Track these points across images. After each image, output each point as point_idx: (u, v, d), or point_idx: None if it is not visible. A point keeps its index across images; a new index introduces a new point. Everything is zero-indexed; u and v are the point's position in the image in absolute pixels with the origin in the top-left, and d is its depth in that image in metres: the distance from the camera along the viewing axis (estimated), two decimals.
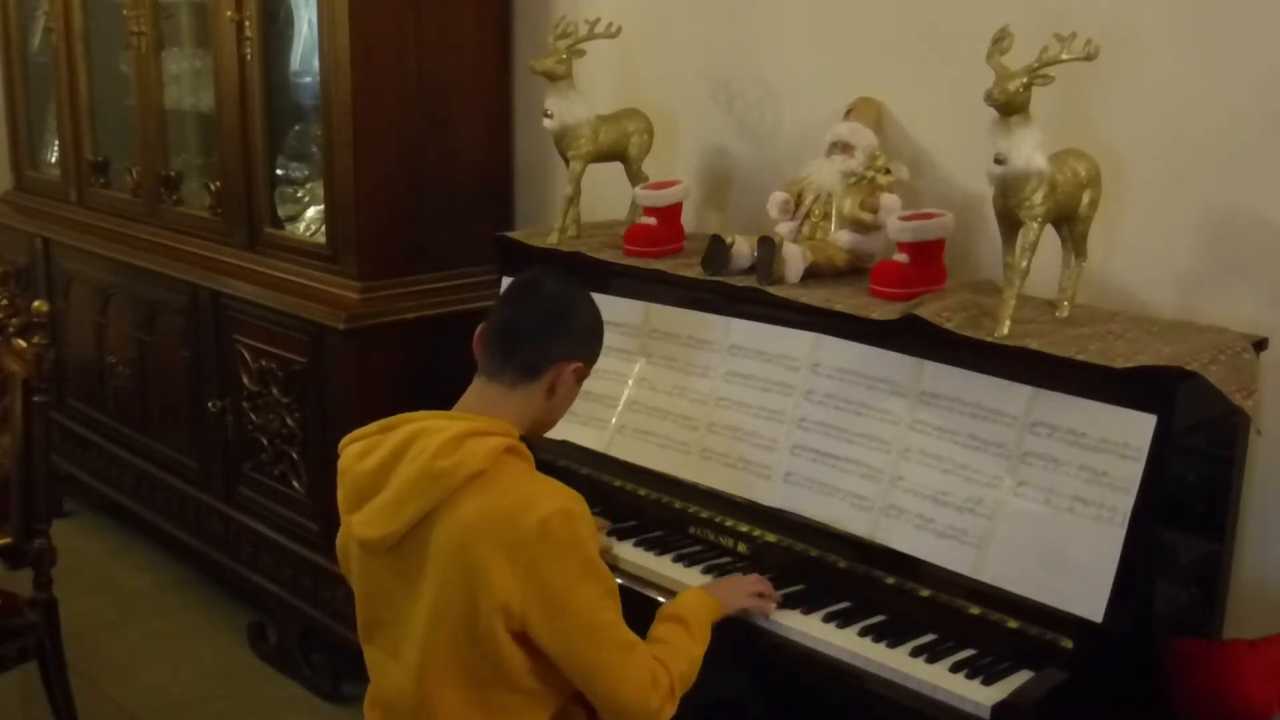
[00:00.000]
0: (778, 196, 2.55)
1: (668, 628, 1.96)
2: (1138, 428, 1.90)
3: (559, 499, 1.81)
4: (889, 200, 2.41)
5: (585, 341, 2.02)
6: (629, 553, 2.34)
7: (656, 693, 1.83)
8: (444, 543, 1.80)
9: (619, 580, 2.25)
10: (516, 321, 1.97)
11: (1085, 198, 2.14)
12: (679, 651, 1.91)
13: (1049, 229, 2.13)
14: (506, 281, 2.77)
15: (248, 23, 3.26)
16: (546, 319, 1.96)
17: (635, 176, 2.90)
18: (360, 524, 1.87)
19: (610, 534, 2.39)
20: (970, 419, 2.08)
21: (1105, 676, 1.91)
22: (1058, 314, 2.19)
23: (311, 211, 3.48)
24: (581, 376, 2.01)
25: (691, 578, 2.25)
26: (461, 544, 1.78)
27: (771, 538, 2.28)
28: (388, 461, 1.85)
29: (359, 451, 1.89)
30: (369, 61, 3.01)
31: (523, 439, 1.92)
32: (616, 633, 1.83)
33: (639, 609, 1.97)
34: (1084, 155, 2.14)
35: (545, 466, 2.57)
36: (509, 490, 1.81)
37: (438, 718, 1.85)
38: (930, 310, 2.12)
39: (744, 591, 2.12)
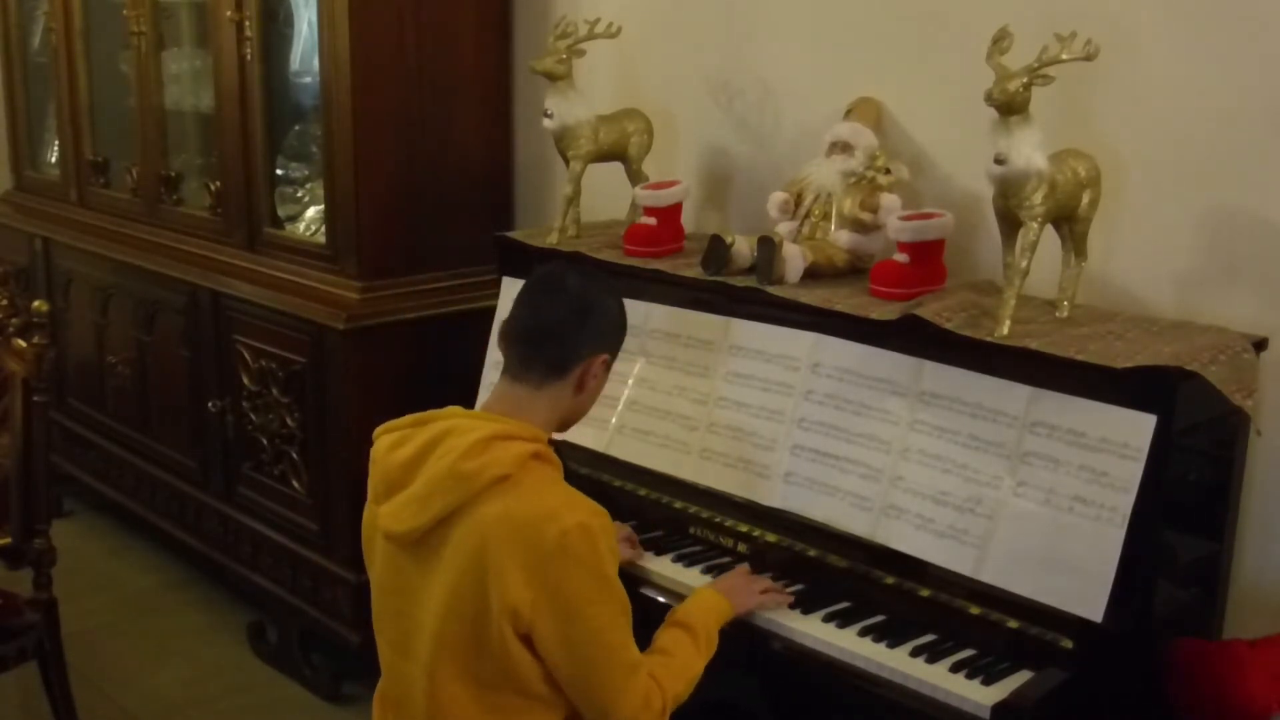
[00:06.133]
0: (778, 196, 2.55)
1: (674, 636, 1.96)
2: (1138, 428, 1.90)
3: (580, 513, 1.80)
4: (889, 200, 2.41)
5: (612, 334, 2.02)
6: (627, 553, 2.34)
7: (648, 715, 1.83)
8: (463, 542, 1.80)
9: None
10: (542, 320, 1.95)
11: (1085, 198, 2.14)
12: (679, 668, 1.91)
13: (1049, 229, 2.13)
14: (507, 281, 2.77)
15: (248, 23, 3.26)
16: (573, 316, 1.94)
17: (635, 176, 2.90)
18: (387, 515, 1.88)
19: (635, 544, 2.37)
20: (970, 419, 2.08)
21: (1105, 676, 1.91)
22: (1058, 314, 2.19)
23: (311, 211, 3.48)
24: (609, 367, 2.00)
25: (692, 578, 2.25)
26: (480, 546, 1.79)
27: (771, 538, 2.28)
28: (418, 456, 1.85)
29: (391, 443, 1.90)
30: (369, 61, 3.01)
31: (550, 441, 1.91)
32: (624, 654, 1.83)
33: (638, 609, 1.96)
34: (1084, 155, 2.14)
35: None
36: (532, 498, 1.80)
37: (448, 716, 1.85)
38: (930, 310, 2.12)
39: (754, 590, 2.12)
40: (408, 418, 1.93)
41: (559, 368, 1.93)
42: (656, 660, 1.90)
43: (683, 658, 1.93)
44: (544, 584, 1.76)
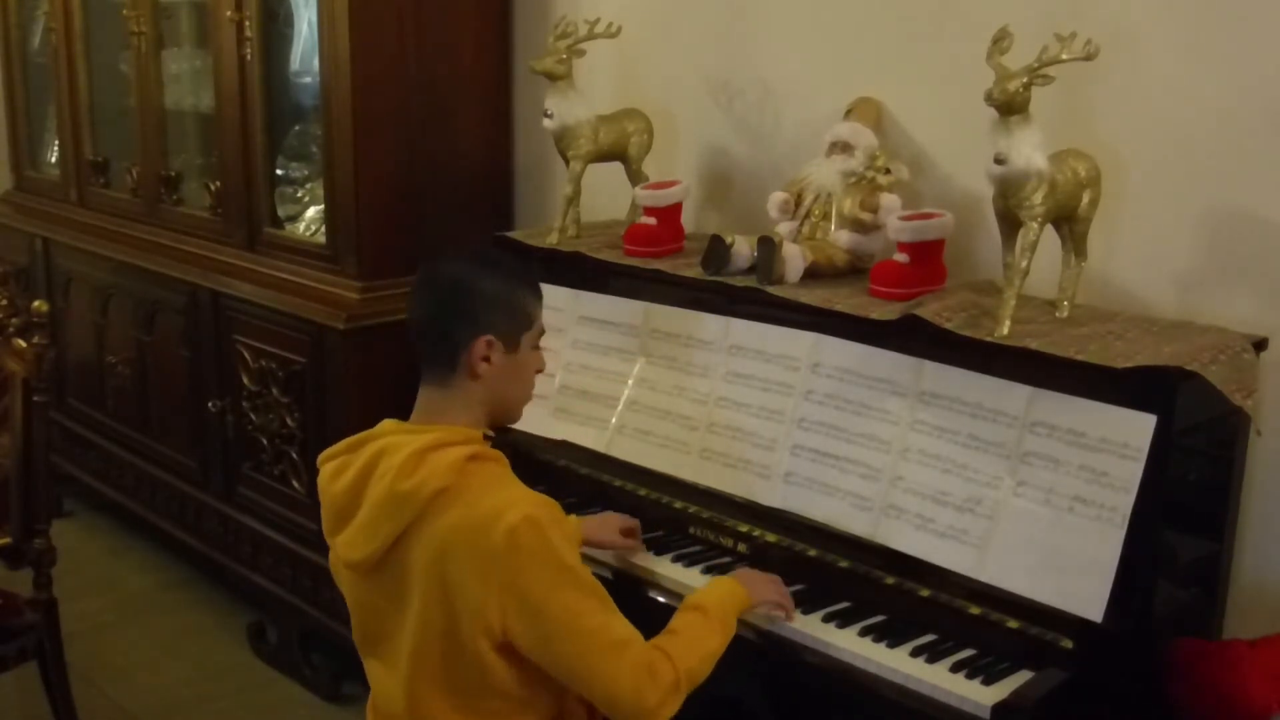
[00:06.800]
0: (778, 196, 2.55)
1: (686, 618, 1.92)
2: (1138, 428, 1.90)
3: (524, 507, 1.76)
4: (889, 200, 2.41)
5: (490, 313, 1.87)
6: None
7: (655, 688, 1.78)
8: (421, 560, 1.79)
9: (610, 576, 2.26)
10: (419, 316, 1.91)
11: (1085, 198, 2.14)
12: (691, 644, 1.86)
13: (1049, 229, 2.13)
14: None
15: (248, 23, 3.26)
16: (442, 305, 1.88)
17: (635, 176, 2.90)
18: (343, 546, 1.87)
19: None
20: (970, 419, 2.08)
21: (1105, 676, 1.91)
22: (1058, 314, 2.19)
23: (311, 211, 3.48)
24: (509, 347, 1.89)
25: (692, 578, 2.25)
26: (437, 560, 1.77)
27: (771, 538, 2.28)
28: (358, 482, 1.83)
29: (332, 472, 1.88)
30: (369, 61, 3.01)
31: (499, 431, 1.88)
32: (604, 635, 1.79)
33: (639, 609, 1.96)
34: (1084, 155, 2.14)
35: (545, 467, 2.59)
36: (475, 503, 1.77)
37: None
38: (930, 310, 2.12)
39: (771, 585, 2.09)
40: (344, 442, 1.89)
41: (448, 361, 1.87)
42: (663, 639, 1.86)
43: (694, 635, 1.88)
44: (504, 586, 1.73)
